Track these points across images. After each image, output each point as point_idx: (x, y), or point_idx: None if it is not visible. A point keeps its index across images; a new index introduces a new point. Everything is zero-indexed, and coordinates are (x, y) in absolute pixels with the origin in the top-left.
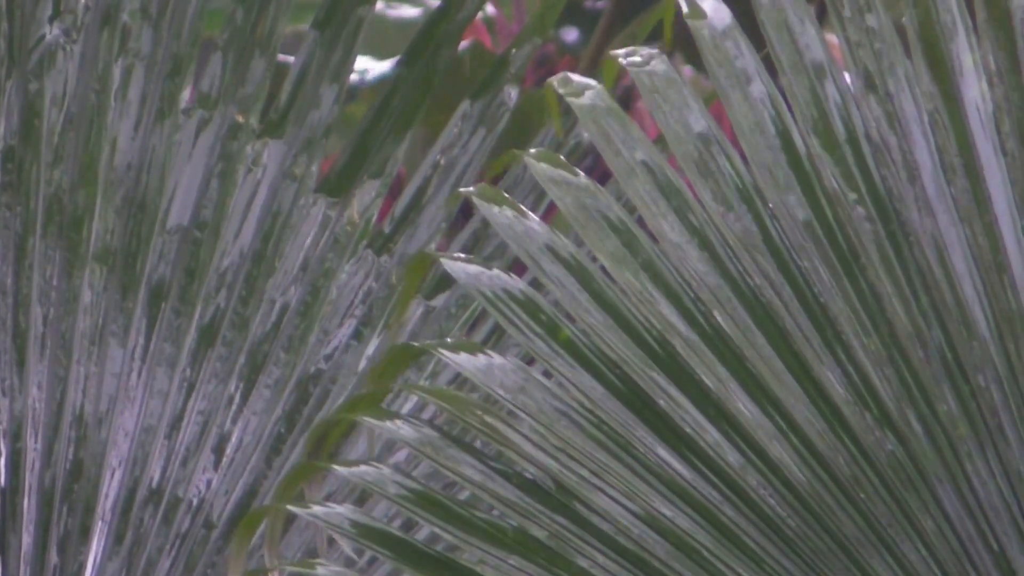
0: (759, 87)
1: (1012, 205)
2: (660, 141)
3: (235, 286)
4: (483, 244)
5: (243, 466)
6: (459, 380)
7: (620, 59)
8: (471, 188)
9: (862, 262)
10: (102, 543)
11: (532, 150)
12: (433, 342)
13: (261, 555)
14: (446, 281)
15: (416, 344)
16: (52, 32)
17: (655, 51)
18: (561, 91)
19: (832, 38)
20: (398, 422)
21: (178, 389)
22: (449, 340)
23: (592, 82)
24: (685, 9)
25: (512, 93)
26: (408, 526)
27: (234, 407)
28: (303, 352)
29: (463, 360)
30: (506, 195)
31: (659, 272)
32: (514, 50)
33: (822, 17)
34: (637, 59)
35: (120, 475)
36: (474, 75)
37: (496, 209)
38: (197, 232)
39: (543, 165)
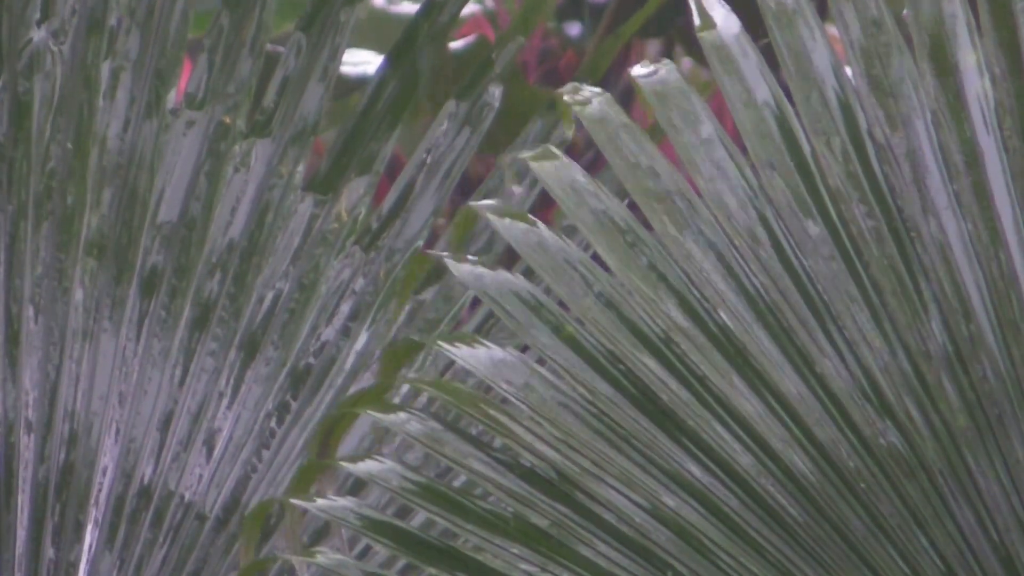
0: (763, 90)
1: (1014, 201)
2: (652, 132)
3: (225, 282)
4: (470, 242)
5: (234, 460)
6: (453, 372)
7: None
8: (481, 203)
9: (864, 258)
10: (96, 537)
11: (532, 151)
12: (433, 335)
13: (263, 547)
14: (432, 277)
15: (416, 339)
16: (40, 34)
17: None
18: (569, 100)
19: (833, 30)
20: (403, 415)
21: (169, 384)
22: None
23: (599, 90)
24: (697, 20)
25: (496, 93)
26: (403, 513)
27: (225, 402)
28: (293, 348)
29: (464, 353)
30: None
31: (664, 271)
32: (495, 52)
33: (823, 10)
34: (645, 70)
35: (113, 469)
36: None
37: (507, 221)
38: (186, 230)
39: (547, 164)
